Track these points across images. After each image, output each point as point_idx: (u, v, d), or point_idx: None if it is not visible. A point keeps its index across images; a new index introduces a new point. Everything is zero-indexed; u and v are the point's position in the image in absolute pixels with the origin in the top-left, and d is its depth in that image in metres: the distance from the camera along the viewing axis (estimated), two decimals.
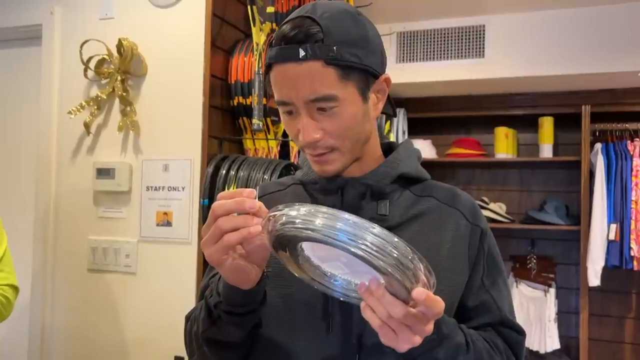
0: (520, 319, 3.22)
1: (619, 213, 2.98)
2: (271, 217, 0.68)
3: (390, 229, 0.84)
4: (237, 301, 0.78)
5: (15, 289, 1.65)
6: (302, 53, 0.77)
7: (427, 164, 0.97)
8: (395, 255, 0.62)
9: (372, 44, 0.83)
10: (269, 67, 0.82)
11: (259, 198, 0.97)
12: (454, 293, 0.87)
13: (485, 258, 0.91)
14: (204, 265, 1.92)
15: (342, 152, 0.84)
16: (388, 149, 0.96)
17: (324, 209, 0.65)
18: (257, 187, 1.02)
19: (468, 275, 0.89)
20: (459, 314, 0.88)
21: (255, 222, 0.70)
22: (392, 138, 3.20)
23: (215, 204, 0.72)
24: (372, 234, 0.63)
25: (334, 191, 0.89)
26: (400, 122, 3.35)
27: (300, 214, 0.65)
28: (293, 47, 0.78)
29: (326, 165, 0.85)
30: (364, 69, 0.81)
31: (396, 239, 0.63)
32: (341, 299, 0.75)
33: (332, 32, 0.78)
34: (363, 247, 0.62)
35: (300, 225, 0.65)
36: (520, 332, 0.92)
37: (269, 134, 2.07)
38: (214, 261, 0.72)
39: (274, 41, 0.81)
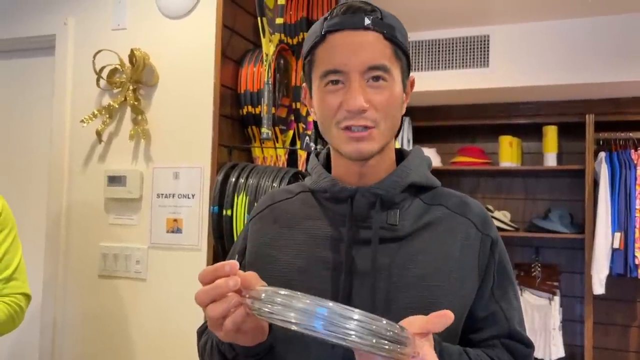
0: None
1: (623, 221, 2.99)
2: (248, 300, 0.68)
3: (399, 238, 0.86)
4: (234, 350, 0.79)
5: (28, 297, 1.68)
6: (367, 21, 0.83)
7: (432, 172, 0.98)
8: (381, 336, 0.62)
9: (407, 43, 0.90)
10: (322, 38, 0.85)
11: (267, 207, 0.98)
12: (463, 304, 0.87)
13: (496, 268, 0.90)
14: None
15: (381, 132, 0.84)
16: (399, 156, 0.96)
17: (301, 301, 0.63)
18: (267, 194, 1.04)
19: (478, 285, 0.88)
20: (468, 323, 0.88)
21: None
22: (397, 146, 3.23)
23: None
24: (353, 319, 0.61)
25: (343, 200, 0.88)
26: (405, 130, 3.38)
27: (274, 305, 0.65)
28: (359, 16, 0.83)
29: (363, 143, 0.84)
30: (407, 57, 0.88)
31: (377, 321, 0.62)
32: (325, 338, 0.69)
33: (388, 17, 0.86)
34: (345, 336, 0.61)
35: (276, 316, 0.64)
36: (529, 345, 0.90)
37: (277, 142, 2.10)
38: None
39: (333, 13, 0.86)
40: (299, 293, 0.65)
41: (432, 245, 0.87)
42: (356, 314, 0.62)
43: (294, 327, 0.63)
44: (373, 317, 0.63)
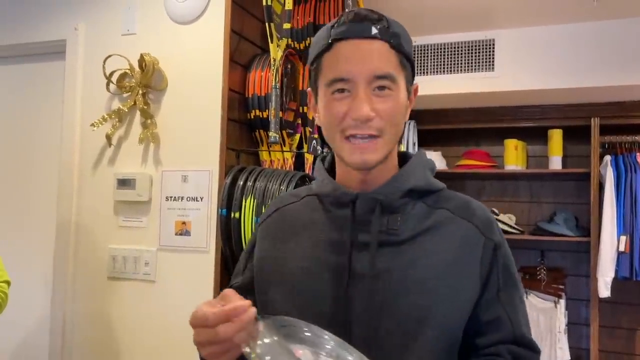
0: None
1: (628, 225, 3.00)
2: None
3: (400, 243, 0.87)
4: None
5: (8, 283, 1.84)
6: (374, 30, 0.84)
7: (437, 176, 0.99)
8: None
9: (412, 50, 0.91)
10: (329, 46, 0.86)
11: (275, 210, 1.00)
12: (461, 309, 0.86)
13: (500, 272, 0.88)
14: (222, 274, 1.97)
15: (385, 141, 0.86)
16: (402, 159, 0.96)
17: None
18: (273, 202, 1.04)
19: (479, 291, 0.87)
20: (473, 327, 0.87)
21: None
22: (402, 149, 3.25)
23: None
24: None
25: (346, 204, 0.90)
26: (411, 133, 3.40)
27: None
28: (366, 24, 0.84)
29: (368, 153, 0.85)
30: (411, 65, 0.89)
31: None
32: None
33: (393, 26, 0.87)
34: None
35: None
36: (535, 350, 0.89)
37: (285, 146, 2.12)
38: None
39: (340, 21, 0.86)
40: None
41: (432, 250, 0.87)
42: None
43: None
44: None
